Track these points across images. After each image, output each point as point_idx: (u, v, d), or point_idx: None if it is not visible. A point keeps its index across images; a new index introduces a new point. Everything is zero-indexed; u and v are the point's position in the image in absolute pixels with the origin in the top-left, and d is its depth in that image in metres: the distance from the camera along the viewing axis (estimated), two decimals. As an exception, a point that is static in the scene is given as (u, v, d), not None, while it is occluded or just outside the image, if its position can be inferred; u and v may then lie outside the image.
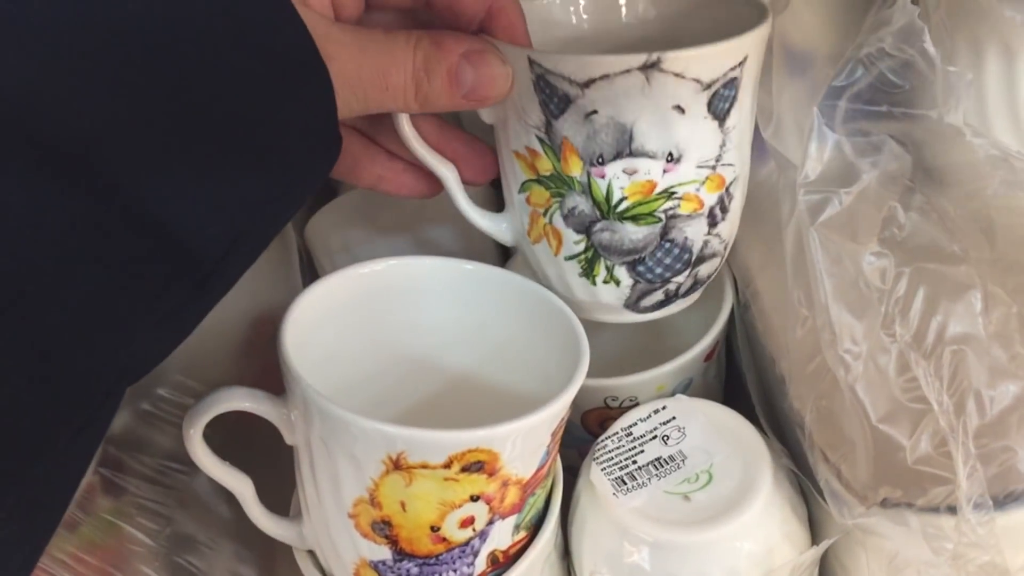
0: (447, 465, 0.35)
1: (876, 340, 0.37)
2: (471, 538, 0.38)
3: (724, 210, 0.42)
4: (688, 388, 0.47)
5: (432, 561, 0.38)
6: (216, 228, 0.29)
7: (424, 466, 0.35)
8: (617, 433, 0.43)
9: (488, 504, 0.37)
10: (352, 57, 0.33)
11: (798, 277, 0.40)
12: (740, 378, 0.51)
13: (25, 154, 0.25)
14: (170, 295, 0.29)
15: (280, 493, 0.43)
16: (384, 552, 0.38)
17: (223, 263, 0.30)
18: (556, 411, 0.37)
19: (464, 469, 0.35)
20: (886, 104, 0.38)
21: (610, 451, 0.42)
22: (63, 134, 0.26)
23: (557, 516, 0.41)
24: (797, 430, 0.41)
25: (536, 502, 0.40)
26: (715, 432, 0.42)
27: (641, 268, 0.42)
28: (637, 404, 0.46)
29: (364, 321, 0.43)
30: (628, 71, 0.37)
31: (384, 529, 0.37)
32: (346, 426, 0.35)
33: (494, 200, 0.52)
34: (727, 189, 0.41)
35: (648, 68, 0.37)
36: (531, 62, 0.37)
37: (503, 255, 0.57)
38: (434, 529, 0.37)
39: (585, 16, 0.47)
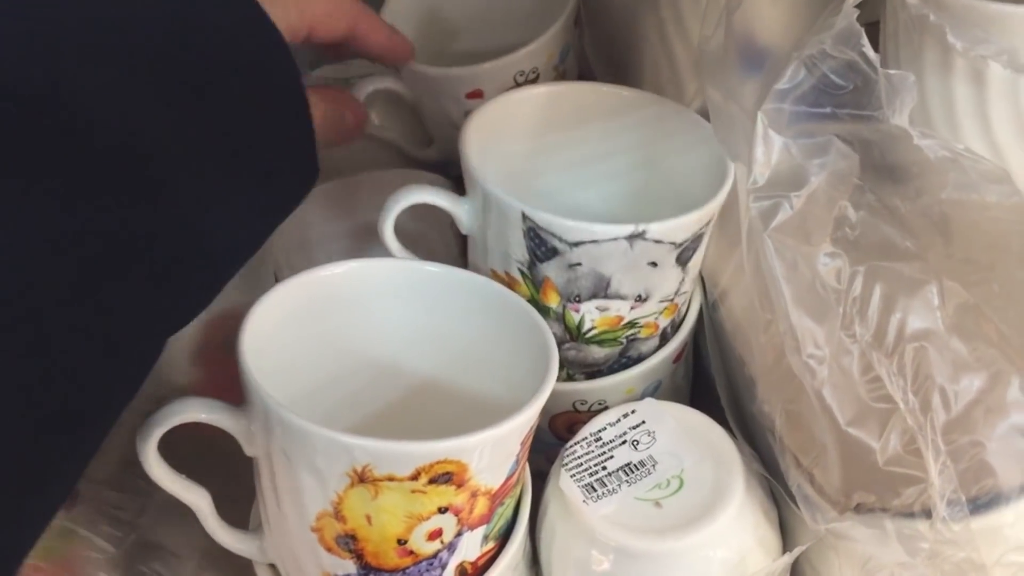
0: (414, 477, 0.34)
1: (837, 342, 0.37)
2: (439, 550, 0.37)
3: (675, 328, 0.47)
4: (657, 390, 0.47)
5: (399, 575, 0.37)
6: (235, 235, 0.35)
7: (391, 478, 0.34)
8: (586, 439, 0.42)
9: (456, 516, 0.36)
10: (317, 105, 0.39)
11: (757, 281, 0.40)
12: (707, 378, 0.50)
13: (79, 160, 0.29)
14: (187, 295, 0.34)
15: (239, 505, 0.42)
16: (349, 566, 0.37)
17: (231, 268, 0.35)
18: (526, 419, 0.36)
19: (432, 481, 0.35)
20: (830, 106, 0.38)
21: (579, 457, 0.42)
22: (117, 142, 0.30)
23: (526, 525, 0.41)
24: (767, 434, 0.41)
25: (505, 511, 0.39)
26: (685, 436, 0.42)
27: (597, 375, 0.46)
28: (606, 407, 0.45)
29: (323, 326, 0.42)
30: (616, 239, 0.40)
31: (349, 543, 0.36)
32: (309, 438, 0.34)
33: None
34: (680, 311, 0.47)
35: (633, 237, 0.41)
36: (524, 216, 0.41)
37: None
38: (401, 542, 0.36)
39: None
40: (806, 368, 0.36)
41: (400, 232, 0.46)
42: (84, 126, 0.29)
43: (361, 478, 0.34)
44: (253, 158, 0.35)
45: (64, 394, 0.30)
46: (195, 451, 0.40)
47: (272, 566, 0.41)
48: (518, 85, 0.53)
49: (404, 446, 0.34)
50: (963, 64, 0.39)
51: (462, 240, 0.57)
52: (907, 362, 0.36)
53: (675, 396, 0.49)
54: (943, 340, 0.36)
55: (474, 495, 0.36)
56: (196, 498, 0.39)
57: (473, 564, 0.39)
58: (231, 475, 0.42)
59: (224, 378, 0.55)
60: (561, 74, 0.56)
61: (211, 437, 0.39)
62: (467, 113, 0.47)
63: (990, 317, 0.36)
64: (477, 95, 0.53)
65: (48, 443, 0.30)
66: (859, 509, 0.37)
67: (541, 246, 0.41)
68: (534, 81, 0.54)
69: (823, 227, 0.37)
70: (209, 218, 0.33)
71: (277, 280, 0.58)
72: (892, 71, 0.34)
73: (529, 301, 0.43)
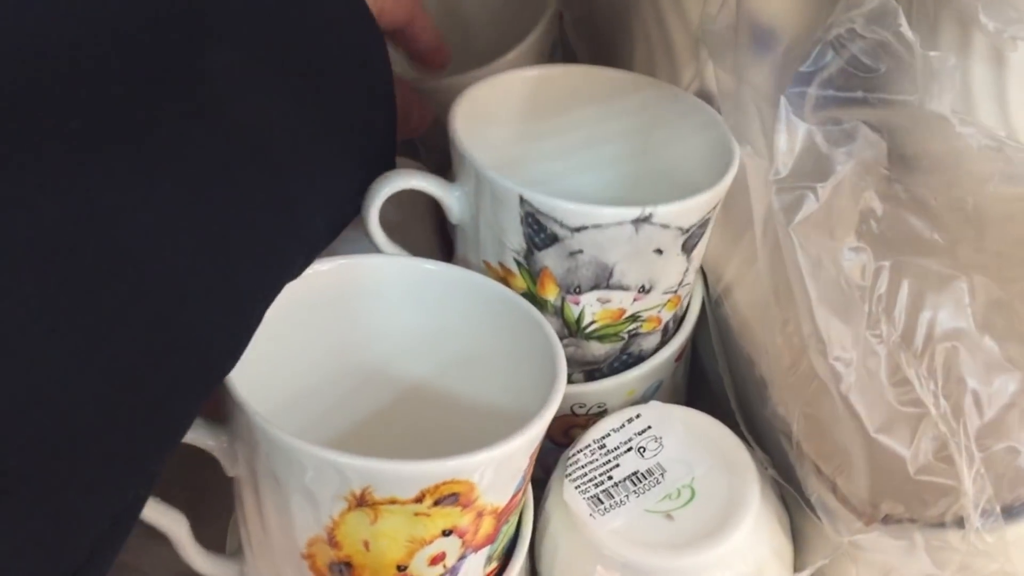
0: (418, 499, 0.32)
1: (864, 343, 0.35)
2: (441, 575, 0.34)
3: (677, 322, 0.45)
4: (658, 390, 0.44)
5: (396, 603, 0.34)
6: (329, 219, 0.38)
7: (393, 501, 0.32)
8: (589, 446, 0.40)
9: (461, 538, 0.34)
10: None
11: (775, 278, 0.37)
12: (704, 376, 0.48)
13: None
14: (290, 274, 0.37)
15: (214, 527, 0.39)
16: (342, 596, 0.34)
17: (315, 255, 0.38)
18: (536, 433, 0.33)
19: (437, 503, 0.32)
20: (860, 90, 0.35)
21: (583, 466, 0.39)
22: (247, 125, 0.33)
23: (528, 543, 0.38)
24: (782, 438, 0.39)
25: (509, 529, 0.37)
26: (694, 442, 0.40)
27: (596, 375, 0.44)
28: (606, 411, 0.43)
29: (308, 328, 0.39)
30: (621, 223, 0.38)
31: (343, 571, 0.34)
32: (301, 458, 0.32)
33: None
34: (683, 304, 0.44)
35: (640, 221, 0.38)
36: (522, 200, 0.38)
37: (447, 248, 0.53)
38: (400, 568, 0.33)
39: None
40: (831, 372, 0.34)
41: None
42: (218, 110, 0.31)
43: (360, 501, 0.32)
44: (347, 147, 0.37)
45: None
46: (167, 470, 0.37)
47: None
48: None
49: (408, 466, 0.31)
50: (983, 44, 0.37)
51: (444, 230, 0.54)
52: (937, 364, 0.34)
53: (675, 396, 0.46)
54: (975, 340, 0.34)
55: (480, 515, 0.34)
56: (172, 524, 0.36)
57: (475, 585, 0.36)
58: (201, 493, 0.39)
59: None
60: None
61: (184, 453, 0.35)
62: None
63: (1025, 315, 0.34)
64: None
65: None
66: (887, 520, 0.35)
67: (540, 232, 0.39)
68: None
69: (848, 220, 0.34)
70: (310, 200, 0.35)
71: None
72: (932, 53, 0.31)
73: (525, 294, 0.40)
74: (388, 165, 0.40)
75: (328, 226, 0.38)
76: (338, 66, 0.37)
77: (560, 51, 0.55)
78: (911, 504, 0.35)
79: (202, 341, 0.31)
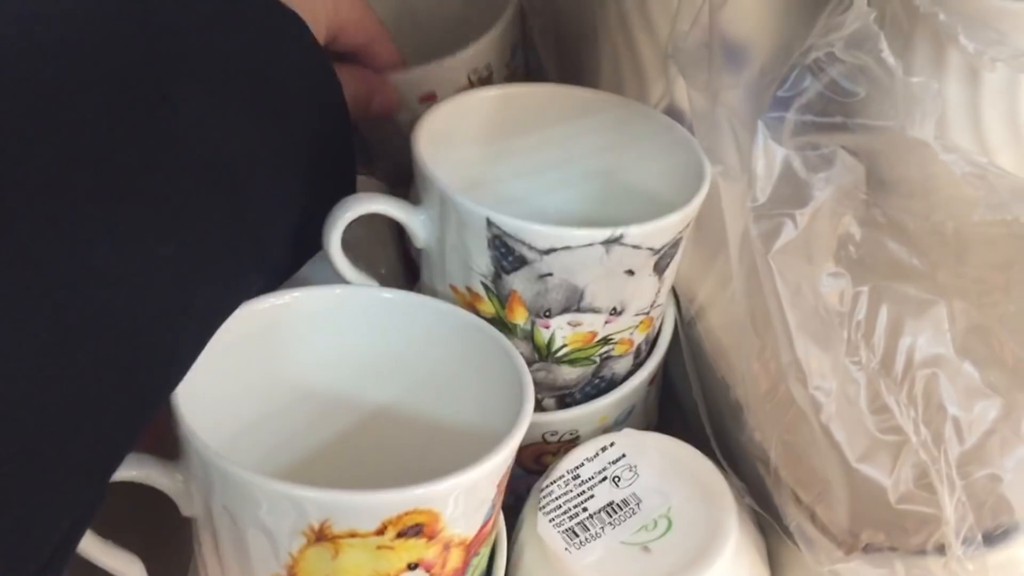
0: (380, 531, 0.31)
1: (843, 370, 0.34)
2: (410, 613, 0.33)
3: (650, 344, 0.44)
4: (631, 415, 0.43)
5: (363, 643, 0.33)
6: (294, 240, 0.39)
7: (353, 535, 0.31)
8: (563, 476, 0.39)
9: (428, 572, 0.33)
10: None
11: (752, 303, 0.37)
12: (676, 399, 0.47)
13: None
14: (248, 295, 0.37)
15: (171, 571, 0.37)
16: (307, 636, 0.32)
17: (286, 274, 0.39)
18: (502, 460, 0.33)
19: (400, 535, 0.31)
20: (839, 115, 0.35)
21: (556, 498, 0.38)
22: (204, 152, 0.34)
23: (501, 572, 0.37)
24: (758, 464, 0.38)
25: (480, 562, 0.36)
26: (670, 470, 0.39)
27: (568, 400, 0.43)
28: (578, 438, 0.42)
29: (264, 360, 0.38)
30: (591, 244, 0.37)
31: (306, 610, 0.32)
32: (255, 492, 0.30)
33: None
34: (655, 326, 0.43)
35: (610, 242, 0.37)
36: (489, 222, 0.37)
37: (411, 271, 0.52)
38: (367, 606, 0.32)
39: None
40: (812, 401, 0.33)
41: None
42: (181, 140, 0.33)
43: (319, 536, 0.30)
44: (307, 174, 0.38)
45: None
46: (115, 508, 0.35)
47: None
48: (472, 85, 0.49)
49: (367, 496, 0.30)
50: (958, 63, 0.37)
51: (405, 251, 0.53)
52: (917, 390, 0.34)
53: (647, 420, 0.46)
54: (955, 366, 0.34)
55: (447, 547, 0.32)
56: (127, 568, 0.34)
57: (447, 622, 0.35)
58: (159, 535, 0.37)
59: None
60: (513, 71, 0.52)
61: (137, 493, 0.34)
62: None
63: (1005, 339, 0.34)
64: (431, 98, 0.49)
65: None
66: (867, 549, 0.34)
67: (508, 256, 0.37)
68: (488, 80, 0.50)
69: (826, 246, 0.34)
70: (271, 226, 0.36)
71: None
72: (914, 79, 0.31)
73: (493, 319, 0.39)
74: (349, 190, 0.40)
75: (290, 252, 0.38)
76: (295, 101, 0.38)
77: (522, 56, 0.55)
78: (892, 532, 0.34)
79: (156, 356, 0.32)
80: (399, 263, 0.52)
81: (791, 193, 0.33)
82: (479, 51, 0.50)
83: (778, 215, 0.32)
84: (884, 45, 0.31)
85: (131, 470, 0.33)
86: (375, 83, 0.48)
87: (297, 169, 0.38)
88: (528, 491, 0.40)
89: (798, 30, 0.37)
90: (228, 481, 0.31)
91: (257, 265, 0.36)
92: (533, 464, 0.43)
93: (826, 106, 0.32)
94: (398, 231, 0.53)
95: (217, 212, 0.34)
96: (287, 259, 0.38)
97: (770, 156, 0.32)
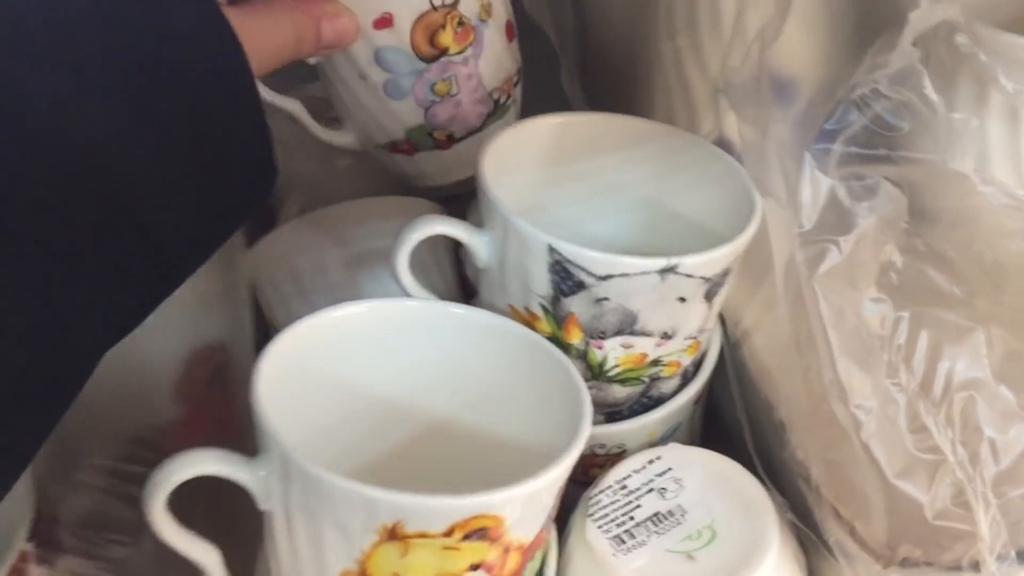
0: (448, 533, 0.33)
1: (883, 391, 0.36)
2: (468, 610, 0.35)
3: (696, 366, 0.46)
4: (676, 432, 0.45)
5: (423, 638, 0.35)
6: (192, 237, 0.35)
7: (423, 535, 0.32)
8: (611, 486, 0.41)
9: (488, 573, 0.35)
10: (253, 33, 0.37)
11: (796, 326, 0.38)
12: (720, 418, 0.49)
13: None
14: (142, 287, 0.35)
15: (242, 562, 0.39)
16: (371, 627, 0.34)
17: (187, 270, 0.36)
18: (562, 471, 0.35)
19: (466, 537, 0.33)
20: (883, 147, 0.37)
21: (604, 507, 0.40)
22: (75, 145, 0.31)
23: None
24: (800, 481, 0.40)
25: (534, 567, 0.37)
26: (714, 484, 0.40)
27: (616, 417, 0.45)
28: (625, 452, 0.44)
29: (336, 367, 0.40)
30: (647, 272, 0.39)
31: (374, 604, 0.34)
32: (335, 493, 0.32)
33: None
34: (702, 349, 0.45)
35: (666, 271, 0.39)
36: (551, 248, 0.40)
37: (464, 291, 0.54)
38: (430, 603, 0.34)
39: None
40: (852, 419, 0.35)
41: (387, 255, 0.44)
42: (46, 130, 0.30)
43: (391, 535, 0.32)
44: (207, 161, 0.35)
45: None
46: (192, 502, 0.37)
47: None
48: (435, 10, 0.47)
49: (440, 501, 0.32)
50: (998, 101, 0.38)
51: (460, 269, 0.55)
52: (955, 412, 0.35)
53: (691, 437, 0.47)
54: (992, 389, 0.35)
55: (507, 550, 0.34)
56: (206, 556, 0.36)
57: (501, 621, 0.37)
58: (231, 527, 0.40)
59: (207, 416, 0.53)
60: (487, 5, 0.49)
61: (211, 491, 0.36)
62: (378, 58, 0.47)
63: (1040, 366, 0.35)
64: (386, 23, 0.47)
65: None
66: (904, 563, 0.36)
67: (567, 280, 0.40)
68: (453, 5, 0.47)
69: (869, 272, 0.35)
70: (165, 220, 0.33)
71: (264, 312, 0.55)
72: (956, 115, 0.33)
73: (550, 338, 0.41)
74: (267, 176, 0.37)
75: (190, 247, 0.36)
76: (184, 79, 0.34)
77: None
78: (928, 548, 0.36)
79: (33, 387, 0.31)
80: (455, 284, 0.54)
81: (836, 221, 0.35)
82: None
83: (823, 241, 0.34)
84: (927, 83, 0.33)
85: (215, 465, 0.34)
86: (319, 9, 0.43)
87: (190, 155, 0.34)
88: (575, 501, 0.42)
89: (844, 67, 0.39)
90: (309, 480, 0.32)
91: (145, 263, 0.33)
92: (580, 475, 0.44)
93: (871, 139, 0.34)
94: (454, 253, 0.55)
95: (85, 209, 0.31)
96: (187, 255, 0.35)
97: (816, 185, 0.34)
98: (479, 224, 0.42)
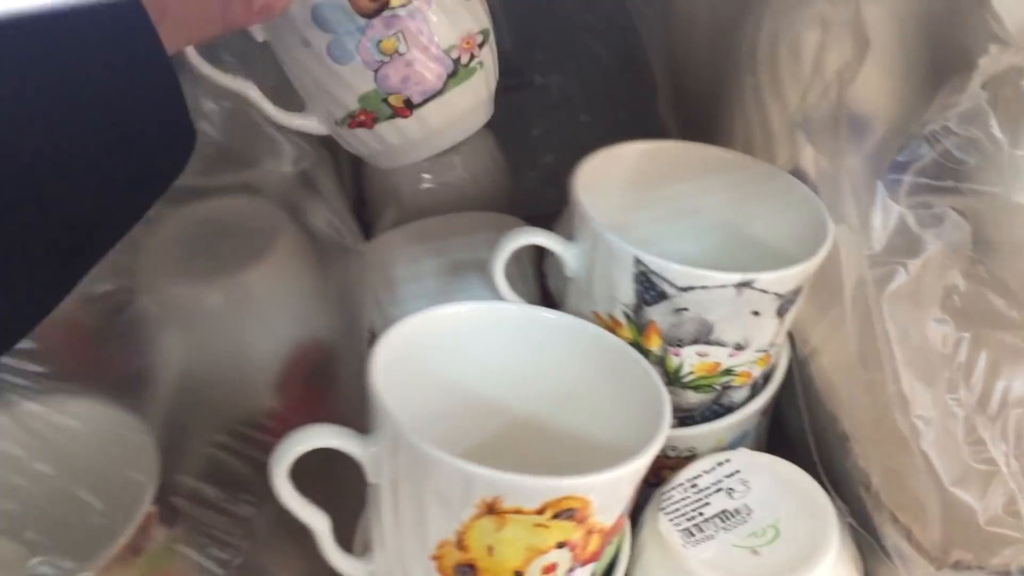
0: (540, 511, 0.36)
1: (944, 405, 0.39)
2: (550, 585, 0.38)
3: (765, 378, 0.49)
4: (744, 440, 0.48)
5: (509, 606, 0.38)
6: (98, 207, 0.34)
7: (518, 511, 0.36)
8: (682, 484, 0.44)
9: (572, 551, 0.38)
10: (180, 3, 0.38)
11: (863, 343, 0.41)
12: (785, 429, 0.52)
13: None
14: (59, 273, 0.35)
15: (340, 532, 0.43)
16: (464, 595, 0.38)
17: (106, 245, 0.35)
18: (644, 463, 0.38)
19: (556, 516, 0.36)
20: (951, 179, 0.40)
21: (676, 502, 0.43)
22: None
23: (625, 565, 0.42)
24: (860, 488, 0.42)
25: (611, 551, 0.41)
26: (779, 487, 0.43)
27: (688, 422, 0.48)
28: (695, 455, 0.47)
29: (437, 361, 0.43)
30: (725, 286, 0.42)
31: (467, 572, 0.38)
32: (441, 468, 0.36)
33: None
34: (772, 363, 0.48)
35: (742, 285, 0.42)
36: (637, 260, 0.43)
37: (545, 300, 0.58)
38: (518, 574, 0.37)
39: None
40: (913, 428, 0.38)
41: (480, 267, 0.48)
42: None
43: (490, 509, 0.36)
44: (113, 131, 0.33)
45: None
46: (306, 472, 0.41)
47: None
48: None
49: (537, 480, 0.35)
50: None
51: (542, 282, 0.58)
52: (1010, 428, 0.38)
53: (757, 446, 0.50)
54: (1045, 409, 0.38)
55: (590, 532, 0.38)
56: (318, 522, 0.40)
57: (576, 600, 0.40)
58: (334, 502, 0.43)
59: (303, 409, 0.57)
60: None
61: (319, 465, 0.40)
62: (316, 17, 0.45)
63: (1093, 388, 0.38)
64: None
65: None
66: (956, 566, 0.39)
67: (650, 290, 0.43)
68: None
69: (934, 294, 0.38)
70: (76, 195, 0.33)
71: (363, 315, 0.59)
72: (1019, 152, 0.36)
73: (631, 344, 0.44)
74: (184, 141, 0.36)
75: (91, 238, 0.35)
76: (91, 49, 0.33)
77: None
78: (980, 552, 0.38)
79: None
80: (538, 296, 0.58)
81: (904, 245, 0.38)
82: None
83: (892, 263, 0.37)
84: (994, 122, 0.36)
85: (335, 439, 0.38)
86: None
87: (93, 125, 0.33)
88: (646, 501, 0.45)
89: (916, 107, 0.42)
90: (418, 455, 0.36)
91: (56, 241, 0.33)
92: (651, 476, 0.47)
93: (939, 171, 0.37)
94: (538, 268, 0.59)
95: None
96: (103, 227, 0.35)
97: (887, 212, 0.38)
98: (569, 237, 0.46)
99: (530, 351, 0.44)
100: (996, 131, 0.36)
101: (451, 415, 0.45)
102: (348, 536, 0.43)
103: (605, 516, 0.38)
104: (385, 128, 0.49)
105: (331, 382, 0.57)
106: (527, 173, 0.72)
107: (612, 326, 0.45)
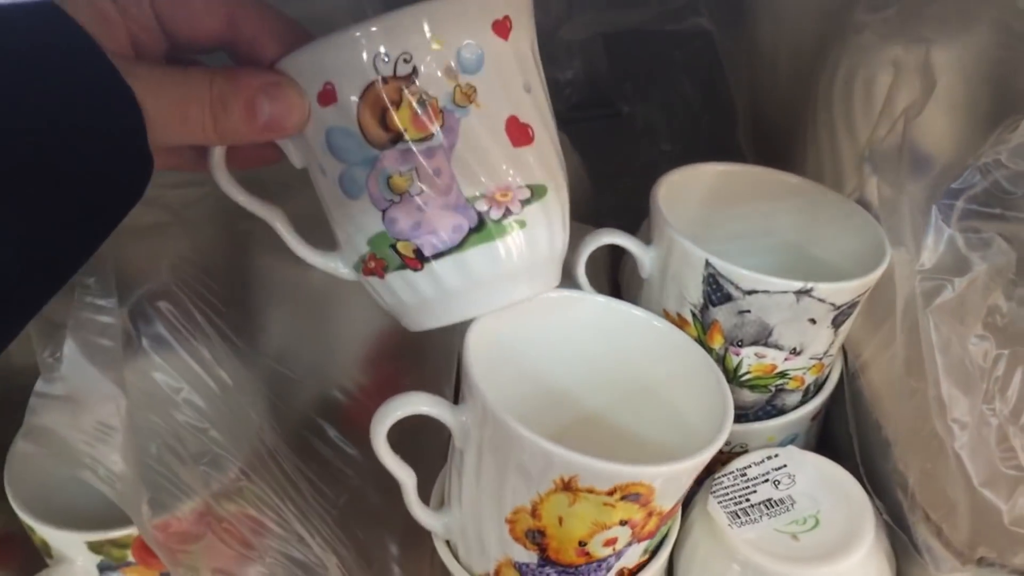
0: (610, 493, 0.39)
1: (979, 413, 0.42)
2: (609, 556, 0.42)
3: (818, 387, 0.53)
4: (793, 442, 0.52)
5: (571, 570, 0.42)
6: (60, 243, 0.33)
7: (591, 491, 0.39)
8: (732, 472, 0.48)
9: (632, 529, 0.41)
10: (150, 92, 0.34)
11: (909, 352, 0.45)
12: (832, 436, 0.56)
13: None
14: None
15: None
16: (531, 556, 0.42)
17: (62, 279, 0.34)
18: (706, 457, 0.41)
19: (624, 498, 0.40)
20: (999, 207, 0.43)
21: (726, 488, 0.47)
22: None
23: (671, 547, 0.46)
24: (898, 490, 0.46)
25: (664, 530, 0.45)
26: (822, 482, 0.47)
27: (743, 419, 0.52)
28: (746, 451, 0.51)
29: (525, 346, 0.47)
30: (786, 292, 0.46)
31: (537, 537, 0.41)
32: (528, 446, 0.39)
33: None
34: (824, 372, 0.52)
35: (801, 293, 0.46)
36: (707, 263, 0.47)
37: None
38: (581, 544, 0.41)
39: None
40: (948, 430, 0.42)
41: None
42: None
43: (566, 486, 0.39)
44: (77, 159, 0.32)
45: None
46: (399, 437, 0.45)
47: (447, 542, 0.46)
48: (383, 80, 0.38)
49: (610, 466, 0.38)
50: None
51: (613, 277, 0.63)
52: (1039, 438, 0.42)
53: (805, 449, 0.54)
54: (1073, 423, 0.41)
55: (650, 514, 0.41)
56: (407, 477, 0.44)
57: (630, 570, 0.44)
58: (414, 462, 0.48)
59: (387, 385, 0.62)
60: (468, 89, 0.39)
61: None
62: (329, 143, 0.39)
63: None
64: (329, 97, 0.38)
65: None
66: (981, 563, 0.42)
67: (717, 291, 0.47)
68: (408, 78, 0.38)
69: (977, 312, 0.42)
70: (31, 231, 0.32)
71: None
72: (1062, 184, 0.40)
73: (695, 339, 0.48)
74: (140, 171, 0.35)
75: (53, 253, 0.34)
76: (46, 79, 0.32)
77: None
78: (1004, 551, 0.42)
79: None
80: (609, 289, 0.62)
81: (952, 265, 0.41)
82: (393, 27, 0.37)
83: (939, 279, 0.41)
84: (1041, 157, 0.40)
85: (430, 407, 0.42)
86: (256, 79, 0.37)
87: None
88: (694, 496, 0.49)
89: (974, 144, 0.46)
90: (507, 430, 0.39)
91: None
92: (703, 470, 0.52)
93: (989, 200, 0.41)
94: (611, 264, 0.63)
95: None
96: (43, 275, 0.34)
97: (939, 233, 0.41)
98: (647, 242, 0.51)
99: (608, 342, 0.48)
100: (1042, 165, 0.40)
101: (530, 397, 0.48)
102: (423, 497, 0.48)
103: (665, 501, 0.41)
104: (396, 280, 0.42)
105: (413, 362, 0.62)
106: (607, 195, 0.77)
107: (680, 324, 0.49)
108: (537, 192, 0.41)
